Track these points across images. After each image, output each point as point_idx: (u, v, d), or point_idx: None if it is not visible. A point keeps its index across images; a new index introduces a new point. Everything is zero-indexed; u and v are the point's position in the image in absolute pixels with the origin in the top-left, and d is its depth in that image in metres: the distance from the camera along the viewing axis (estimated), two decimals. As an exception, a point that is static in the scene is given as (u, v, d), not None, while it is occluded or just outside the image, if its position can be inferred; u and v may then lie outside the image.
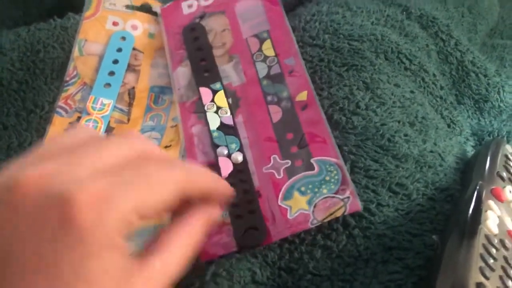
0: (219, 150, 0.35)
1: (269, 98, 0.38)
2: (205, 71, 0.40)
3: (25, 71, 0.40)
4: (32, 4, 0.47)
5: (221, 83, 0.39)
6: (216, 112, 0.38)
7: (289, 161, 0.34)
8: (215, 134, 0.36)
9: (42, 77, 0.40)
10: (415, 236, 0.30)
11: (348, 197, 0.31)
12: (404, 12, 0.45)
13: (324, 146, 0.34)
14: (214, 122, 0.37)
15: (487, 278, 0.24)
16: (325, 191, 0.31)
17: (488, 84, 0.45)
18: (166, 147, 0.37)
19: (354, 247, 0.30)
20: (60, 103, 0.39)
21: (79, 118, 0.39)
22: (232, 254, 0.30)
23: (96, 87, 0.40)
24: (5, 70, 0.40)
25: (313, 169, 0.33)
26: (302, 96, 0.37)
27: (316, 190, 0.32)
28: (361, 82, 0.37)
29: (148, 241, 0.23)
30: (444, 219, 0.31)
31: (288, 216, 0.31)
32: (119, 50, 0.43)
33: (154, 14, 0.47)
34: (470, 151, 0.40)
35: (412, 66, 0.40)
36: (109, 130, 0.39)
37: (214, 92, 0.39)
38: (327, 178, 0.32)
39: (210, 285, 0.28)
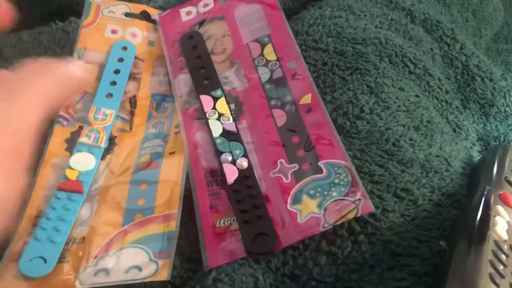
0: (223, 156, 0.35)
1: (272, 102, 0.37)
2: (205, 78, 0.40)
3: (26, 76, 0.40)
4: (34, 7, 0.47)
5: (222, 90, 0.39)
6: (218, 119, 0.37)
7: (297, 165, 0.33)
8: (218, 141, 0.36)
9: (43, 82, 0.40)
10: (422, 242, 0.29)
11: (360, 199, 0.30)
12: (408, 16, 0.45)
13: (331, 149, 0.33)
14: (216, 129, 0.37)
15: (497, 285, 0.24)
16: (335, 193, 0.31)
17: (494, 88, 0.45)
18: (170, 153, 0.37)
19: (359, 254, 0.29)
20: (61, 112, 0.39)
21: (80, 127, 0.38)
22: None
23: (97, 97, 0.40)
24: (7, 76, 0.40)
25: (321, 172, 0.32)
26: (306, 99, 0.36)
27: (326, 193, 0.31)
28: (365, 86, 0.36)
29: None
30: (451, 225, 0.30)
31: (298, 220, 0.30)
32: (121, 60, 0.42)
33: (153, 22, 0.46)
34: (476, 157, 0.40)
35: (416, 70, 0.40)
36: (111, 138, 0.38)
37: (215, 99, 0.38)
38: (336, 180, 0.32)
39: (211, 291, 0.28)
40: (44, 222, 0.32)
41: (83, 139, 0.37)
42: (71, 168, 0.35)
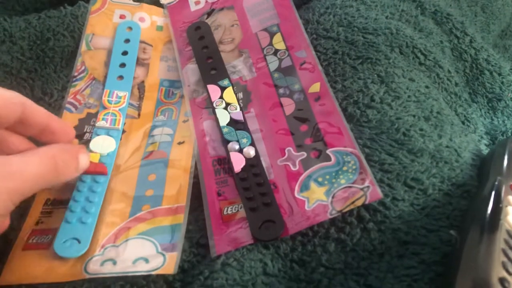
0: (230, 145, 0.35)
1: (281, 91, 0.37)
2: (212, 68, 0.40)
3: (35, 59, 0.40)
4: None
5: (229, 80, 0.39)
6: (225, 108, 0.37)
7: (305, 153, 0.33)
8: (225, 129, 0.36)
9: (52, 65, 0.40)
10: (431, 231, 0.29)
11: (368, 186, 0.30)
12: (419, 8, 0.44)
13: (339, 137, 0.33)
14: (223, 118, 0.36)
15: (510, 273, 0.24)
16: (343, 181, 0.31)
17: (502, 83, 0.44)
18: (179, 143, 0.36)
19: (368, 241, 0.29)
20: (69, 98, 0.38)
21: (88, 114, 0.38)
22: (244, 244, 0.30)
23: (109, 80, 0.39)
24: (15, 60, 0.39)
25: (329, 160, 0.32)
26: (315, 87, 0.36)
27: (334, 180, 0.31)
28: (375, 75, 0.36)
29: None
30: (461, 215, 0.30)
31: (306, 208, 0.30)
32: (127, 41, 0.42)
33: (162, 6, 0.46)
34: (484, 150, 0.39)
35: (427, 61, 0.40)
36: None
37: (222, 89, 0.38)
38: (345, 168, 0.31)
39: (219, 275, 0.27)
40: (72, 205, 0.32)
41: (100, 122, 0.37)
42: (92, 151, 0.35)
